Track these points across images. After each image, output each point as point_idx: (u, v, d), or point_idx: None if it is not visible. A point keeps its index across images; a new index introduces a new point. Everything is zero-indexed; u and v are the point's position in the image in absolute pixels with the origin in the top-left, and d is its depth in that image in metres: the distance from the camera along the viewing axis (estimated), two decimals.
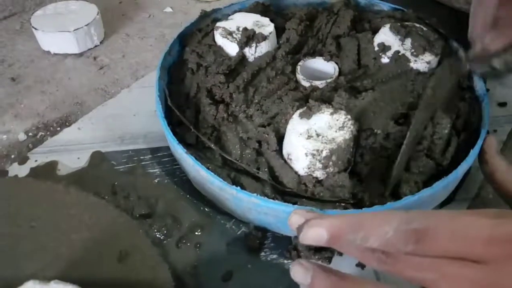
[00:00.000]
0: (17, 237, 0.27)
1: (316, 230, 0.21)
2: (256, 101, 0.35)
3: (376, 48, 0.36)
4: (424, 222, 0.20)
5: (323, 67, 0.38)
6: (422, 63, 0.35)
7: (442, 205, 0.32)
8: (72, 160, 0.36)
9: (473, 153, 0.30)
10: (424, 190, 0.28)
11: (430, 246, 0.19)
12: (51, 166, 0.36)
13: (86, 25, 0.47)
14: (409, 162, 0.31)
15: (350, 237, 0.20)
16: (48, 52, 0.48)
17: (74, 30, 0.46)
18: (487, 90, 0.40)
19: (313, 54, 0.39)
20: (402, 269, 0.20)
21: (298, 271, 0.21)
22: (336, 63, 0.38)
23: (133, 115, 0.40)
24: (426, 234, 0.19)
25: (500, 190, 0.28)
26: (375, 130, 0.32)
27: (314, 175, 0.30)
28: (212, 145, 0.32)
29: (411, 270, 0.20)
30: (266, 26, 0.39)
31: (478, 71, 0.33)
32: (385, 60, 0.36)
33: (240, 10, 0.44)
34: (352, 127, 0.30)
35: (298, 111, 0.32)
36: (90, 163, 0.36)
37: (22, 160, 0.36)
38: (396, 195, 0.29)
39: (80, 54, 0.48)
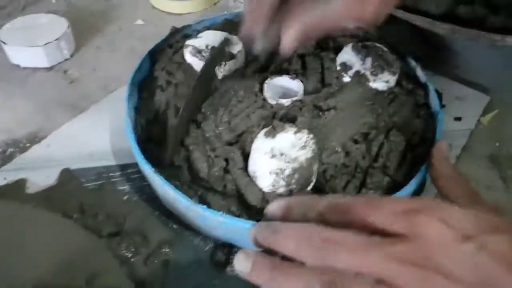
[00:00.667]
0: None
1: (275, 203, 0.27)
2: (225, 120, 0.36)
3: (338, 68, 0.38)
4: (347, 197, 0.25)
5: (289, 85, 0.39)
6: (380, 82, 0.37)
7: None
8: (41, 178, 0.37)
9: (424, 168, 0.32)
10: None
11: (355, 210, 0.23)
12: (20, 184, 0.36)
13: (56, 39, 0.47)
14: (365, 178, 0.32)
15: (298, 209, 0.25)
16: (18, 66, 0.48)
17: (44, 44, 0.46)
18: (443, 105, 0.42)
19: (279, 72, 0.40)
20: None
21: (239, 259, 0.24)
22: (302, 81, 0.39)
23: (103, 130, 0.41)
24: (347, 203, 0.23)
25: (441, 194, 0.30)
26: (337, 149, 0.34)
27: (278, 192, 0.32)
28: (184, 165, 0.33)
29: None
30: (235, 45, 0.40)
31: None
32: (346, 79, 0.38)
33: (210, 27, 0.45)
34: (314, 146, 0.32)
35: (263, 130, 0.33)
36: (59, 181, 0.36)
37: None
38: None
39: (50, 68, 0.48)
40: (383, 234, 0.22)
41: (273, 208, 0.26)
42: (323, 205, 0.24)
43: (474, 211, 0.23)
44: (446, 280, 0.20)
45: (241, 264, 0.23)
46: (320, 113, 0.36)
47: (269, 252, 0.24)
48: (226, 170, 0.34)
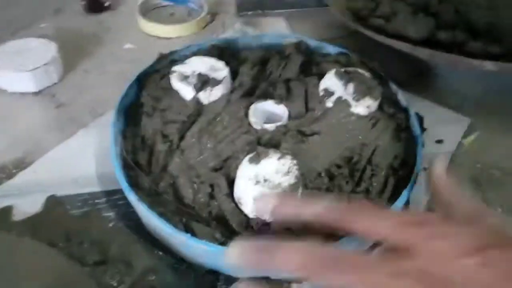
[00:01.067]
0: None
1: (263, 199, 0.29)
2: (210, 146, 0.36)
3: (321, 93, 0.39)
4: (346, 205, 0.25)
5: (274, 109, 0.40)
6: (362, 107, 0.38)
7: None
8: (28, 205, 0.37)
9: (406, 192, 0.33)
10: None
11: (359, 218, 0.23)
12: (6, 211, 0.36)
13: (44, 64, 0.47)
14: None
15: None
16: (5, 90, 0.48)
17: (32, 69, 0.47)
18: (424, 129, 0.43)
19: (265, 96, 0.41)
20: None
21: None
22: (286, 106, 0.40)
23: (89, 156, 0.41)
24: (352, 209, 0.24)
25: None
26: (320, 173, 0.34)
27: (263, 217, 0.32)
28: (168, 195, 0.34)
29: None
30: (221, 70, 0.41)
31: None
32: (329, 104, 0.38)
33: (197, 52, 0.46)
34: (297, 172, 0.32)
35: (248, 156, 0.34)
36: (44, 208, 0.36)
37: None
38: (334, 235, 0.31)
39: (38, 93, 0.48)
40: (385, 245, 0.23)
41: (260, 205, 0.28)
42: (321, 207, 0.24)
43: (479, 228, 0.23)
44: None
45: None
46: (304, 138, 0.36)
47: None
48: (211, 196, 0.34)
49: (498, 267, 0.21)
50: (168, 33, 0.57)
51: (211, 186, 0.34)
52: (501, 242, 0.22)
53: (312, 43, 0.48)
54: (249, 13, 0.61)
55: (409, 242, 0.22)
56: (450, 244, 0.21)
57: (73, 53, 0.54)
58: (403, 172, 0.36)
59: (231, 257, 0.24)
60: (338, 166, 0.35)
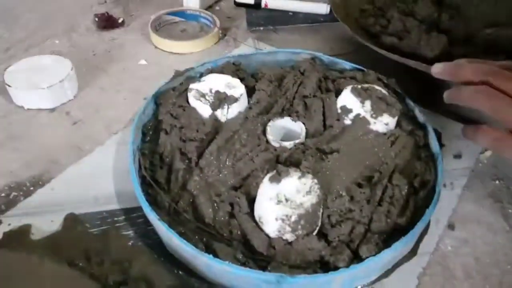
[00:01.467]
0: None
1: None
2: (229, 163, 0.36)
3: (339, 111, 0.39)
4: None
5: (292, 126, 0.40)
6: (381, 124, 0.38)
7: (406, 258, 0.34)
8: (46, 223, 0.36)
9: (429, 212, 0.33)
10: (384, 251, 0.30)
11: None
12: (25, 230, 0.36)
13: (60, 81, 0.48)
14: (370, 223, 0.33)
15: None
16: (21, 107, 0.48)
17: (48, 86, 0.47)
18: (443, 145, 0.43)
19: (282, 113, 0.41)
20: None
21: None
22: (303, 123, 0.40)
23: (107, 173, 0.41)
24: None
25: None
26: (341, 193, 0.34)
27: (284, 237, 0.32)
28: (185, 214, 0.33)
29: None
30: (237, 88, 0.41)
31: None
32: (347, 121, 0.38)
33: (212, 69, 0.46)
34: (318, 191, 0.32)
35: (268, 175, 0.33)
36: (63, 227, 0.36)
37: None
38: (357, 257, 0.31)
39: (53, 109, 0.49)
40: None
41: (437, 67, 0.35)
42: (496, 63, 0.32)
43: None
44: None
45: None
46: (323, 157, 0.36)
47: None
48: (231, 215, 0.34)
49: None
50: (181, 49, 0.58)
51: (231, 204, 0.34)
52: None
53: (326, 58, 0.48)
54: (261, 28, 0.62)
55: None
56: None
57: (86, 70, 0.54)
58: (423, 193, 0.36)
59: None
60: (359, 185, 0.34)
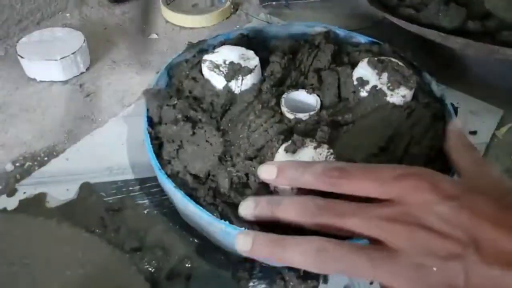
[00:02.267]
0: (10, 274, 0.28)
1: (267, 166, 0.30)
2: (243, 135, 0.36)
3: (355, 83, 0.38)
4: (345, 164, 0.28)
5: (306, 99, 0.40)
6: (398, 97, 0.37)
7: None
8: (61, 192, 0.37)
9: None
10: None
11: (349, 180, 0.26)
12: (40, 198, 0.36)
13: (72, 53, 0.48)
14: None
15: (292, 171, 0.28)
16: (34, 79, 0.48)
17: (61, 58, 0.47)
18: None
19: (296, 86, 0.41)
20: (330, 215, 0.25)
21: (240, 239, 0.27)
22: (318, 96, 0.39)
23: (121, 144, 0.41)
24: (347, 171, 0.26)
25: (452, 163, 0.31)
26: (356, 162, 0.34)
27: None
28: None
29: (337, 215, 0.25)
30: (251, 59, 0.41)
31: None
32: (363, 93, 0.38)
33: (225, 41, 0.45)
34: (334, 160, 0.32)
35: (284, 145, 0.33)
36: (79, 195, 0.36)
37: (11, 192, 0.37)
38: None
39: (66, 82, 0.49)
40: (375, 199, 0.25)
41: (263, 172, 0.30)
42: (320, 167, 0.27)
43: (466, 179, 0.27)
44: (431, 233, 0.23)
45: (242, 243, 0.27)
46: (339, 128, 0.36)
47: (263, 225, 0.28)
48: (245, 185, 0.34)
49: (479, 211, 0.23)
50: (192, 23, 0.57)
51: (246, 175, 0.34)
52: (486, 190, 0.25)
53: (341, 32, 0.47)
54: (273, 3, 0.61)
55: (398, 194, 0.25)
56: (435, 190, 0.24)
57: (98, 43, 0.54)
58: (439, 164, 0.35)
59: (246, 210, 0.29)
60: (375, 155, 0.34)
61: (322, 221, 0.26)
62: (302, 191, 0.29)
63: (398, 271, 0.23)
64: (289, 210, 0.27)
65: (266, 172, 0.30)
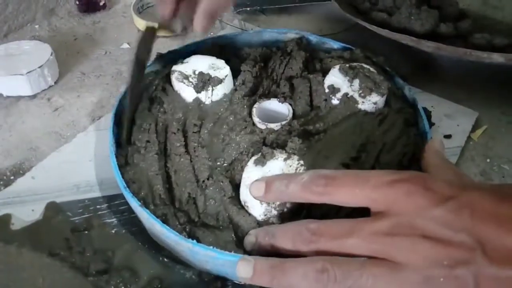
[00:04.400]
0: None
1: (257, 183, 0.29)
2: (216, 149, 0.35)
3: (327, 90, 0.38)
4: (334, 172, 0.26)
5: (278, 108, 0.39)
6: (369, 104, 0.37)
7: None
8: (26, 213, 0.35)
9: None
10: None
11: (337, 188, 0.25)
12: (5, 220, 0.34)
13: (39, 67, 0.46)
14: None
15: (277, 184, 0.28)
16: (0, 94, 0.47)
17: (27, 73, 0.45)
18: (433, 124, 0.42)
19: (268, 95, 0.40)
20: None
21: (240, 266, 0.26)
22: (290, 104, 0.39)
23: (88, 160, 0.40)
24: (334, 178, 0.25)
25: None
26: None
27: (271, 221, 0.31)
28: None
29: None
30: (222, 69, 0.40)
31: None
32: (335, 101, 0.37)
33: (196, 51, 0.44)
34: None
35: (253, 158, 0.32)
36: (44, 216, 0.35)
37: None
38: None
39: (34, 96, 0.47)
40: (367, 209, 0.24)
41: (253, 190, 0.29)
42: (307, 175, 0.27)
43: (459, 178, 0.26)
44: (433, 242, 0.21)
45: (242, 271, 0.26)
46: (310, 137, 0.35)
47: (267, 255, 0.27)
48: (216, 200, 0.33)
49: (480, 208, 0.22)
50: (165, 32, 0.56)
51: (217, 189, 0.33)
52: (481, 186, 0.24)
53: (314, 38, 0.46)
54: (247, 9, 0.60)
55: (392, 201, 0.23)
56: (432, 194, 0.23)
57: (68, 54, 0.53)
58: (413, 169, 0.35)
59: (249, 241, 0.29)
60: (346, 166, 0.33)
61: (319, 247, 0.25)
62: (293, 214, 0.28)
63: (405, 287, 0.22)
64: (285, 241, 0.26)
65: (256, 189, 0.29)
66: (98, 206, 0.36)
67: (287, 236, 0.26)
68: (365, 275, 0.22)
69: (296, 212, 0.31)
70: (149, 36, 0.39)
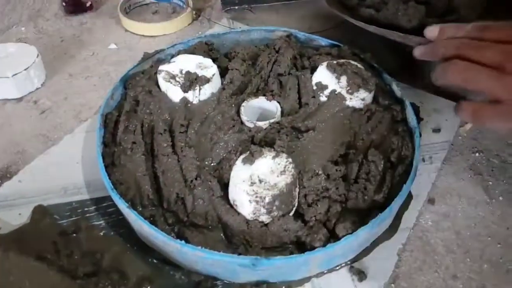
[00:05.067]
0: None
1: (432, 27, 0.34)
2: (203, 149, 0.35)
3: (315, 87, 0.38)
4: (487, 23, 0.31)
5: (267, 106, 0.39)
6: (357, 100, 0.37)
7: (386, 236, 0.34)
8: (13, 217, 0.35)
9: (406, 187, 0.32)
10: (361, 229, 0.29)
11: (491, 31, 0.30)
12: None
13: (25, 69, 0.46)
14: (346, 201, 0.32)
15: (449, 31, 0.33)
16: None
17: (13, 75, 0.45)
18: (421, 119, 0.42)
19: (256, 93, 0.40)
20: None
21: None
22: (279, 102, 0.39)
23: (76, 163, 0.39)
24: (488, 27, 0.30)
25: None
26: (317, 171, 0.33)
27: (260, 219, 0.31)
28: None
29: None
30: (209, 68, 0.40)
31: None
32: (323, 98, 0.37)
33: (183, 50, 0.44)
34: (293, 170, 0.31)
35: (241, 157, 0.32)
36: (32, 219, 0.35)
37: None
38: (334, 236, 0.30)
39: (20, 99, 0.46)
40: None
41: (430, 30, 0.34)
42: (470, 26, 0.31)
43: None
44: None
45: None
46: (299, 135, 0.35)
47: None
48: (205, 200, 0.33)
49: None
50: (153, 32, 0.55)
51: (205, 189, 0.33)
52: None
53: (302, 35, 0.46)
54: (236, 8, 0.60)
55: None
56: None
57: (55, 56, 0.52)
58: (403, 166, 0.35)
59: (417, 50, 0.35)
60: (335, 163, 0.33)
61: (461, 53, 0.30)
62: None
63: None
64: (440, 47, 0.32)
65: (430, 31, 0.34)
66: (86, 209, 0.35)
67: (446, 45, 0.32)
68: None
69: (286, 210, 0.31)
70: None
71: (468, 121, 0.40)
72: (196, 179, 0.33)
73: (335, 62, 0.39)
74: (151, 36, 0.55)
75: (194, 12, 0.58)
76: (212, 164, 0.34)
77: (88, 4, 0.59)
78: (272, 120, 0.37)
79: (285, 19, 0.59)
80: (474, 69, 0.29)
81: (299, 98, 0.39)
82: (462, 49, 0.30)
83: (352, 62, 0.39)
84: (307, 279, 0.31)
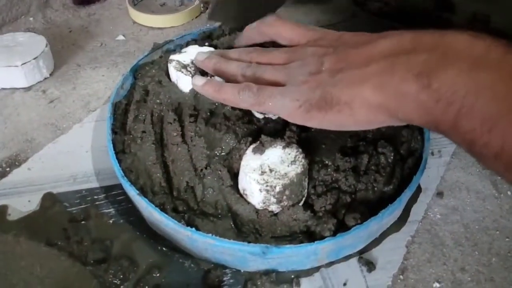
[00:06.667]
0: None
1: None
2: (213, 137, 0.35)
3: None
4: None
5: None
6: None
7: (395, 228, 0.34)
8: (23, 204, 0.35)
9: (416, 179, 0.32)
10: (370, 220, 0.29)
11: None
12: (1, 211, 0.34)
13: (34, 59, 0.46)
14: (356, 192, 0.32)
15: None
16: None
17: (22, 64, 0.45)
18: None
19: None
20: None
21: (195, 79, 0.34)
22: None
23: (85, 151, 0.39)
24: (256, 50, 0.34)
25: None
26: (326, 162, 0.33)
27: (270, 209, 0.31)
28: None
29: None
30: None
31: None
32: None
33: (192, 40, 0.44)
34: (303, 160, 0.31)
35: (251, 146, 0.32)
36: (41, 206, 0.35)
37: None
38: (343, 226, 0.30)
39: (29, 88, 0.47)
40: None
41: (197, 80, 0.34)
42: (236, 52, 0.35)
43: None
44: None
45: (197, 80, 0.34)
46: (309, 127, 0.35)
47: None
48: (215, 189, 0.33)
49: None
50: (160, 23, 0.55)
51: (215, 178, 0.33)
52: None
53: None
54: None
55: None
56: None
57: (63, 46, 0.52)
58: (412, 160, 0.35)
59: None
60: (345, 154, 0.33)
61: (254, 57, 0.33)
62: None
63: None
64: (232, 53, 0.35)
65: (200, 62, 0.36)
66: (95, 197, 0.35)
67: (234, 53, 0.35)
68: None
69: (296, 200, 0.31)
70: None
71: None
72: (206, 168, 0.33)
73: None
74: (159, 28, 0.55)
75: (202, 5, 0.58)
76: (222, 154, 0.34)
77: None
78: None
79: (294, 12, 0.59)
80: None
81: None
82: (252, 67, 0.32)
83: None
84: (316, 268, 0.31)
